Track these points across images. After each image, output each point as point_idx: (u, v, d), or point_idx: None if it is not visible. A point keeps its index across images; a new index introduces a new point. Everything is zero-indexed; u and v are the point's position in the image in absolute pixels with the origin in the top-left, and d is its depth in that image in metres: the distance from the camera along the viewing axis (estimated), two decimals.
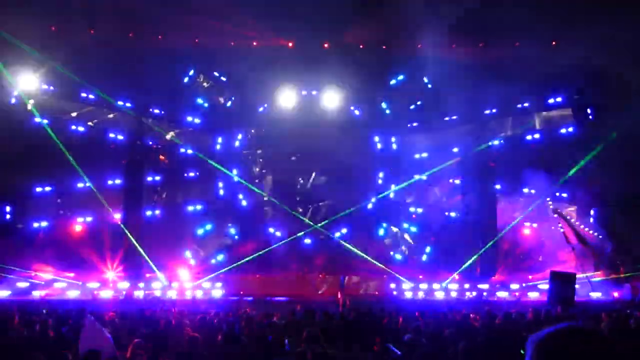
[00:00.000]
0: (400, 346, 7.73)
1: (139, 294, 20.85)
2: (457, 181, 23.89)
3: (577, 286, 15.83)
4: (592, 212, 23.42)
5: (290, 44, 23.26)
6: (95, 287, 20.94)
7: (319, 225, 23.92)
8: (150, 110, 23.81)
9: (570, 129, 24.23)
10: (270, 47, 23.26)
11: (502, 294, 21.49)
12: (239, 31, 22.89)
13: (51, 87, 22.77)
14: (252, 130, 25.34)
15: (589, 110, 24.10)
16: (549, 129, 24.20)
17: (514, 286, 21.74)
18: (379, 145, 25.19)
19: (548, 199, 18.30)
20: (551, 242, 22.09)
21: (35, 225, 22.67)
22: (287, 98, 23.56)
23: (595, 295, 20.41)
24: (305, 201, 25.24)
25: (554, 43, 23.47)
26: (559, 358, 1.69)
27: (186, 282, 21.78)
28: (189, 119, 24.45)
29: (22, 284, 20.55)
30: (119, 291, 20.80)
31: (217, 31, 22.72)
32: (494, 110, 24.06)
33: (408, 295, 22.03)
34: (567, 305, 14.17)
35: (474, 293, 21.41)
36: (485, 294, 21.32)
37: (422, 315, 12.12)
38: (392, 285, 22.66)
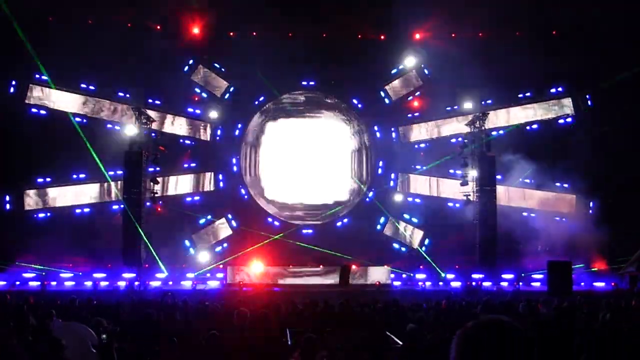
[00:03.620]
0: (402, 336, 7.76)
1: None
2: (458, 171, 23.90)
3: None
4: (591, 204, 23.44)
5: (289, 35, 23.22)
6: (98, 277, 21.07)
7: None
8: (150, 100, 23.75)
9: (569, 119, 24.23)
10: (270, 38, 23.23)
11: (502, 283, 21.67)
12: (238, 21, 22.84)
13: (51, 78, 22.70)
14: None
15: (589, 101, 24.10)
16: (549, 119, 24.25)
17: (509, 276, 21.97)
18: (378, 135, 25.18)
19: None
20: (550, 231, 22.08)
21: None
22: None
23: (597, 285, 20.56)
24: None
25: (554, 33, 23.44)
26: (475, 349, 1.87)
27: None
28: (189, 109, 24.49)
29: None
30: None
31: (217, 21, 22.70)
32: (494, 100, 24.09)
33: (409, 285, 22.14)
34: (565, 294, 14.21)
35: (474, 282, 21.51)
36: (489, 283, 21.43)
37: (423, 305, 12.17)
38: (392, 276, 22.73)
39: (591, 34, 21.86)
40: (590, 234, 20.63)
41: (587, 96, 24.02)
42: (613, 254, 20.98)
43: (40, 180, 23.09)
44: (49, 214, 23.01)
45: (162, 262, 21.94)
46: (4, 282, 20.17)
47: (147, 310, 11.60)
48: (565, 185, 23.53)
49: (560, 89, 24.44)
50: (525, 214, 23.76)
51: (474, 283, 21.40)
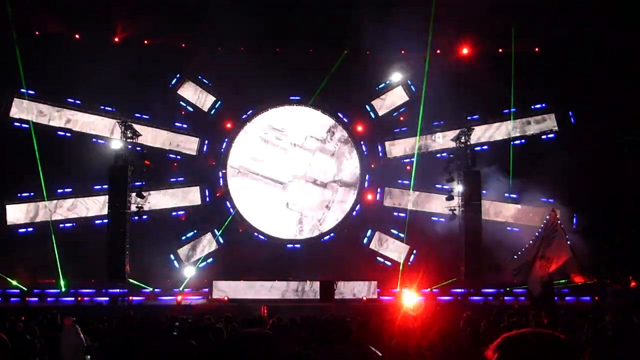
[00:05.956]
0: (385, 350, 7.78)
1: None
2: (444, 186, 24.05)
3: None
4: (574, 218, 23.66)
5: (277, 49, 23.37)
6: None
7: None
8: (136, 114, 23.67)
9: (552, 135, 24.55)
10: (256, 53, 23.38)
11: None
12: (225, 36, 22.93)
13: (35, 92, 22.59)
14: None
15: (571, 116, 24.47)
16: (532, 134, 24.55)
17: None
18: (364, 149, 25.30)
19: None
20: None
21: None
22: None
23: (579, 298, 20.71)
24: None
25: (536, 50, 23.85)
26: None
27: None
28: (176, 124, 24.45)
29: None
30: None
31: (204, 35, 22.77)
32: (479, 116, 24.35)
33: (394, 298, 22.12)
34: (548, 308, 14.29)
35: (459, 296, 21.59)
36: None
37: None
38: (378, 289, 22.70)
39: (574, 50, 22.28)
40: (573, 247, 20.75)
41: (570, 112, 24.39)
42: (595, 268, 21.15)
43: (23, 194, 22.84)
44: (31, 229, 22.73)
45: (147, 277, 21.73)
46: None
47: (132, 327, 11.51)
48: (551, 200, 23.71)
49: (543, 105, 24.80)
50: (509, 228, 23.94)
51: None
